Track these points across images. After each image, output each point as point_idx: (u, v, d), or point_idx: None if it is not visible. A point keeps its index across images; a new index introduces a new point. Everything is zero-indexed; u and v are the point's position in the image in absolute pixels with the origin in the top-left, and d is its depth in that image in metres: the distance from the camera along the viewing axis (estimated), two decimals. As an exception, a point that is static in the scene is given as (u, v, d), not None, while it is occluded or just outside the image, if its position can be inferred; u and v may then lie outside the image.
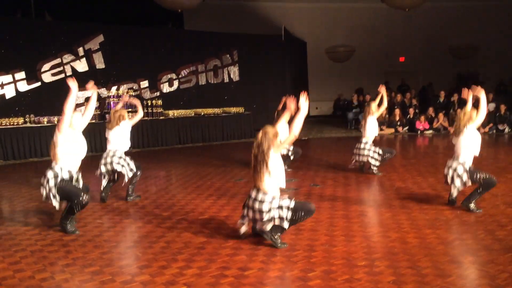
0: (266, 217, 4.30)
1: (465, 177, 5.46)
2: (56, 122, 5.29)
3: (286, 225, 4.32)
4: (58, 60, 12.37)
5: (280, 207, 4.32)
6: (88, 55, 12.87)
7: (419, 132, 14.99)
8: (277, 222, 4.34)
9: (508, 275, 3.67)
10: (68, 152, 4.91)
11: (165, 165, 9.94)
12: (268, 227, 4.34)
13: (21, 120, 11.15)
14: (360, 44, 20.14)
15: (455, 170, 5.52)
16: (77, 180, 5.05)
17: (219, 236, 4.83)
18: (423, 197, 6.30)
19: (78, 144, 4.98)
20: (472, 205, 5.49)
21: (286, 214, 4.30)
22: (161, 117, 13.18)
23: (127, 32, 13.74)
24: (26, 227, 5.29)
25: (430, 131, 14.97)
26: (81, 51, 12.75)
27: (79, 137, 5.06)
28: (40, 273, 3.93)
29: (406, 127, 15.42)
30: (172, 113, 13.40)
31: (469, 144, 5.46)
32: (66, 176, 4.92)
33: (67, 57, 12.51)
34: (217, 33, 15.48)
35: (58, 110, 5.05)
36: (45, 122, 11.10)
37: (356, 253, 4.25)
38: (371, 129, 8.01)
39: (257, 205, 4.33)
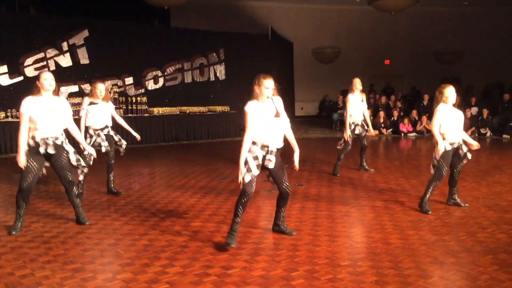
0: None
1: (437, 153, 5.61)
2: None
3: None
4: (41, 55, 12.19)
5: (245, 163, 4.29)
6: (72, 50, 12.70)
7: (402, 134, 15.13)
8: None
9: (489, 276, 3.72)
10: (32, 124, 4.80)
11: (149, 162, 9.87)
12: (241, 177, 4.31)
13: (2, 114, 10.98)
14: (346, 45, 20.27)
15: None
16: (45, 145, 4.79)
17: (202, 234, 4.81)
18: (406, 199, 6.35)
19: (39, 115, 4.76)
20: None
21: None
22: (145, 114, 13.08)
23: (113, 28, 13.60)
24: (6, 223, 5.20)
25: (414, 134, 15.12)
26: (65, 46, 12.58)
27: (49, 103, 4.83)
28: (20, 270, 3.87)
29: (390, 129, 15.55)
30: (157, 110, 13.32)
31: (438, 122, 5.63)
32: (31, 142, 4.79)
33: (51, 52, 12.34)
34: (204, 31, 15.41)
35: (34, 82, 4.93)
36: (27, 117, 10.92)
37: (339, 253, 4.26)
38: (350, 106, 8.01)
39: None
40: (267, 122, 4.33)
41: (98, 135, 6.37)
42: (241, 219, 4.42)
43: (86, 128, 6.39)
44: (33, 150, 4.80)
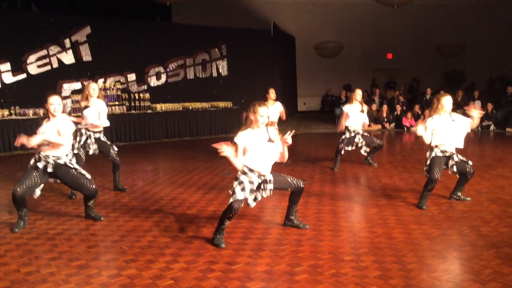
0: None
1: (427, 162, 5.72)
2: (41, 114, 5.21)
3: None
4: (44, 52, 12.21)
5: (240, 183, 4.34)
6: (75, 47, 12.72)
7: (405, 128, 15.10)
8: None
9: (492, 270, 3.73)
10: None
11: (152, 159, 9.89)
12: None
13: (6, 112, 11.00)
14: (349, 40, 20.23)
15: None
16: (46, 167, 4.84)
17: (206, 230, 4.83)
18: (409, 193, 6.36)
19: (44, 136, 4.80)
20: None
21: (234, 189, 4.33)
22: (148, 111, 13.10)
23: (115, 25, 13.61)
24: (11, 220, 5.23)
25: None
26: (67, 43, 12.60)
27: (54, 125, 4.82)
28: (26, 267, 3.90)
29: (393, 124, 15.53)
30: (160, 106, 13.33)
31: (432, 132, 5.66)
32: (36, 157, 4.87)
33: (54, 49, 12.36)
34: (205, 27, 15.41)
35: (43, 103, 4.92)
36: (31, 115, 10.96)
37: (342, 248, 4.28)
38: (346, 116, 8.15)
39: None
40: (261, 149, 4.36)
41: (90, 137, 6.41)
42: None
43: (79, 128, 6.39)
44: (37, 166, 4.85)
